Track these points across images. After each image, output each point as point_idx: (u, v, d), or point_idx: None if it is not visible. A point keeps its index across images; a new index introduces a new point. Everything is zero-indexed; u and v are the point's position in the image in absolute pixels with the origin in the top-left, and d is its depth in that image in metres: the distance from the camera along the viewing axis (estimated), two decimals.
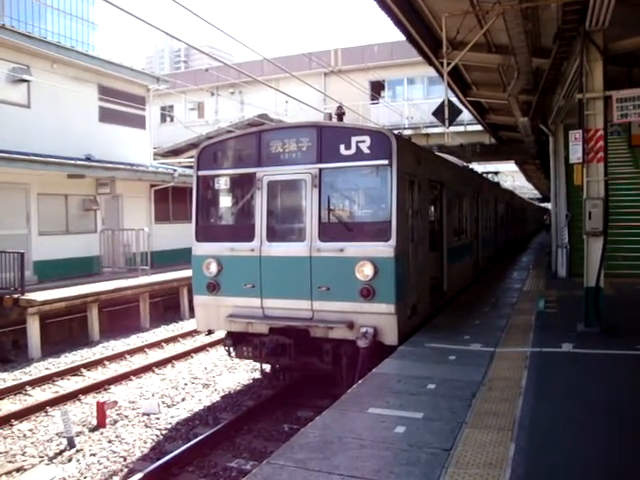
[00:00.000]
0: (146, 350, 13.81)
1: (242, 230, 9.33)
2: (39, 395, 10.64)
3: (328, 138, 8.60)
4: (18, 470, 7.53)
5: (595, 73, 8.73)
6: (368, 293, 8.12)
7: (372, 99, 31.38)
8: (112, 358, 12.97)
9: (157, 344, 14.33)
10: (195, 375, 11.66)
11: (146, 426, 8.92)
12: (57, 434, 8.61)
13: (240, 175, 9.48)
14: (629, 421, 5.41)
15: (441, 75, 13.84)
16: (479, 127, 25.67)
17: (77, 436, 8.43)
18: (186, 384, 11.07)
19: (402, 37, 13.40)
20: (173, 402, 10.05)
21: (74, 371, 11.97)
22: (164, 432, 8.67)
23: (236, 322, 9.11)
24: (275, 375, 10.15)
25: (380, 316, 8.15)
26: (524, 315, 10.56)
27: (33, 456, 7.93)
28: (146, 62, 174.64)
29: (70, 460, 7.76)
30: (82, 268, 17.60)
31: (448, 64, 12.61)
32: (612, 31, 8.64)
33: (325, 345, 8.50)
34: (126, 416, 9.36)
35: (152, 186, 21.12)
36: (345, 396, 6.25)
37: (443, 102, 13.06)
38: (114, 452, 7.95)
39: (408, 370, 7.06)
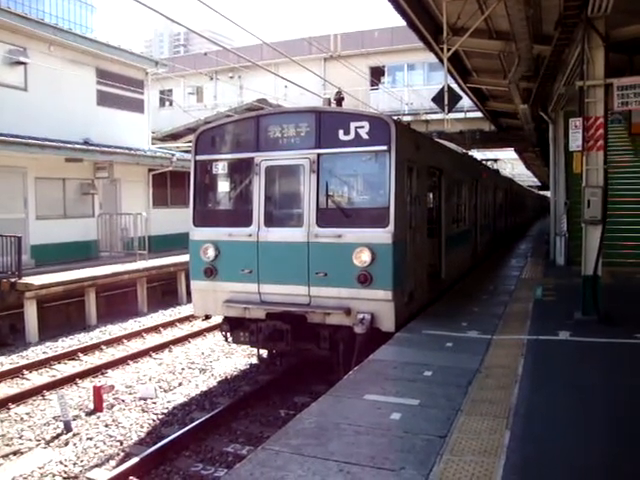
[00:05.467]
0: (143, 335, 13.83)
1: (240, 215, 9.31)
2: (36, 379, 10.66)
3: (327, 123, 8.54)
4: (15, 453, 7.55)
5: (596, 60, 8.66)
6: (365, 279, 8.11)
7: (372, 85, 31.24)
8: (109, 342, 12.97)
9: (154, 329, 14.34)
10: (192, 360, 11.68)
11: (143, 410, 8.94)
12: (54, 418, 8.62)
13: (238, 160, 9.43)
14: (625, 409, 5.41)
15: (441, 61, 13.77)
16: (479, 114, 25.57)
17: (74, 420, 8.45)
18: (183, 369, 11.09)
19: (402, 22, 13.31)
20: (170, 387, 10.07)
21: (71, 355, 11.98)
22: (161, 417, 8.69)
23: (233, 307, 9.11)
24: (272, 361, 10.15)
25: (377, 302, 8.14)
26: (522, 303, 10.56)
27: (30, 439, 7.94)
28: (145, 46, 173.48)
29: (67, 444, 7.78)
30: (80, 252, 17.57)
31: (448, 50, 12.55)
32: (614, 18, 8.57)
33: (322, 331, 8.51)
34: (123, 400, 9.37)
35: (150, 170, 21.03)
36: (341, 382, 6.26)
37: (443, 88, 13.00)
38: (111, 436, 7.97)
39: (405, 357, 7.07)
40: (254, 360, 11.09)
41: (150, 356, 12.01)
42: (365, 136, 8.25)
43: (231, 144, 9.39)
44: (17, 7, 30.89)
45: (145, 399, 9.38)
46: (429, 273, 10.30)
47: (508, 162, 44.46)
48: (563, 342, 7.80)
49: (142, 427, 8.31)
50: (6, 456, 7.47)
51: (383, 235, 8.12)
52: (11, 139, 14.72)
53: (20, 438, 8.00)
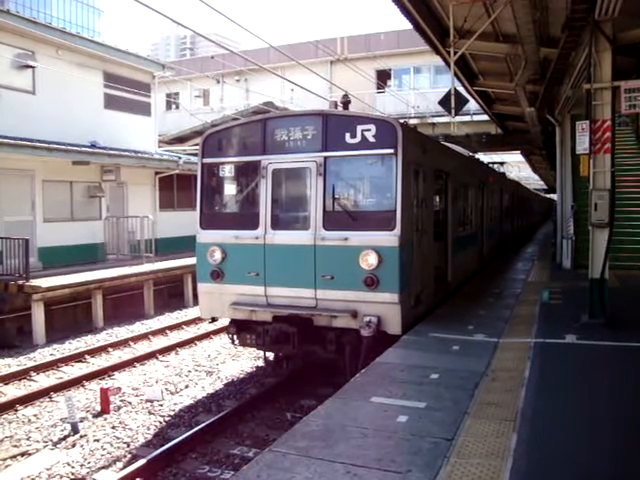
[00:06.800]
0: (150, 337, 13.86)
1: (247, 218, 9.33)
2: (43, 381, 10.70)
3: (333, 126, 8.56)
4: (23, 455, 7.58)
5: (603, 63, 8.64)
6: (372, 282, 8.11)
7: (378, 88, 31.24)
8: (116, 345, 13.01)
9: (161, 331, 14.38)
10: (199, 362, 11.70)
11: (149, 413, 8.97)
12: (61, 419, 8.66)
13: (245, 163, 9.46)
14: (632, 413, 5.40)
15: (448, 64, 13.77)
16: (485, 117, 25.56)
17: (81, 422, 8.48)
18: (190, 371, 11.11)
19: (409, 25, 13.32)
20: (176, 389, 10.09)
21: (78, 357, 12.02)
22: (167, 419, 8.71)
23: (240, 310, 9.12)
24: (278, 363, 10.16)
25: (384, 305, 8.14)
26: (528, 306, 10.54)
27: (37, 441, 7.98)
28: (152, 49, 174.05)
29: (74, 445, 7.81)
30: (87, 255, 17.64)
31: (455, 53, 12.55)
32: (622, 21, 8.56)
33: (328, 334, 8.50)
34: (130, 402, 9.40)
35: (157, 173, 21.09)
36: (348, 385, 6.26)
37: (449, 91, 13.00)
38: (117, 438, 7.99)
39: (411, 360, 7.07)
40: (260, 363, 11.10)
41: (157, 358, 12.04)
42: (372, 139, 8.26)
43: (238, 147, 9.43)
44: (25, 11, 31.09)
45: (152, 401, 9.41)
46: (435, 276, 10.30)
47: (514, 165, 44.37)
48: (570, 345, 7.78)
49: (149, 429, 8.33)
50: (14, 457, 7.50)
51: (390, 238, 8.13)
52: (20, 142, 14.80)
53: (28, 439, 8.03)
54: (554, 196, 34.58)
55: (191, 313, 16.48)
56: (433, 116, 27.87)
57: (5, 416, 8.89)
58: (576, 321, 8.97)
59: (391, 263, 8.10)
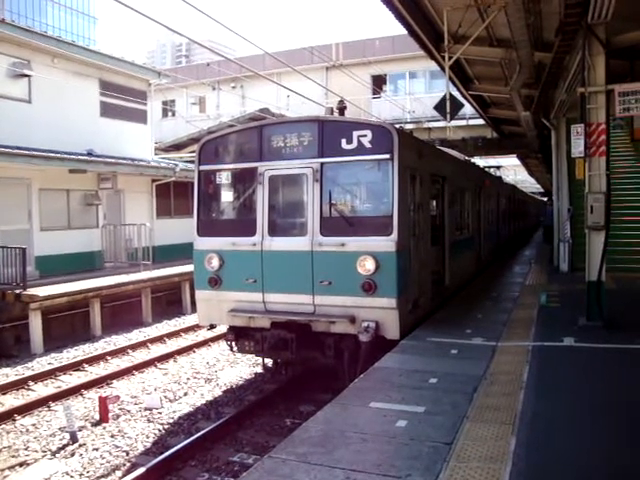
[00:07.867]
0: (148, 345, 13.83)
1: (244, 225, 9.34)
2: (42, 390, 10.67)
3: (330, 132, 8.59)
4: (21, 465, 7.55)
5: (597, 67, 8.69)
6: (370, 287, 8.12)
7: (374, 93, 31.33)
8: (114, 353, 12.98)
9: (159, 339, 14.35)
10: (197, 370, 11.69)
11: (148, 421, 8.95)
12: (60, 429, 8.63)
13: (242, 170, 9.47)
14: (629, 415, 5.40)
15: (443, 69, 13.80)
16: (481, 121, 25.61)
17: (80, 431, 8.45)
18: (188, 379, 11.10)
19: (403, 31, 13.36)
20: (175, 397, 10.08)
21: (76, 366, 11.98)
22: (166, 427, 8.69)
23: (238, 317, 9.13)
24: (277, 369, 10.16)
25: (382, 310, 8.15)
26: (526, 309, 10.55)
27: (36, 451, 7.95)
28: (148, 56, 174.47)
29: (73, 455, 7.79)
30: (84, 263, 17.61)
31: (450, 58, 12.60)
32: (615, 24, 8.60)
33: (327, 339, 8.51)
34: (128, 411, 9.38)
35: (154, 181, 21.09)
36: (347, 390, 6.27)
37: (445, 96, 13.04)
38: (117, 447, 7.97)
39: (410, 364, 7.07)
40: (259, 369, 11.10)
41: (155, 366, 12.01)
42: (368, 145, 8.29)
43: (234, 154, 9.44)
44: (21, 20, 31.13)
45: (150, 409, 9.39)
46: (433, 280, 10.31)
47: (511, 169, 44.48)
48: (568, 348, 7.79)
49: (148, 437, 8.31)
50: (12, 467, 7.47)
51: (387, 243, 8.14)
52: (16, 151, 14.79)
53: (26, 449, 8.01)
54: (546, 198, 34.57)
55: (189, 320, 16.46)
56: (429, 121, 27.96)
57: (3, 426, 8.86)
58: (574, 324, 8.99)
59: (388, 268, 8.11)
